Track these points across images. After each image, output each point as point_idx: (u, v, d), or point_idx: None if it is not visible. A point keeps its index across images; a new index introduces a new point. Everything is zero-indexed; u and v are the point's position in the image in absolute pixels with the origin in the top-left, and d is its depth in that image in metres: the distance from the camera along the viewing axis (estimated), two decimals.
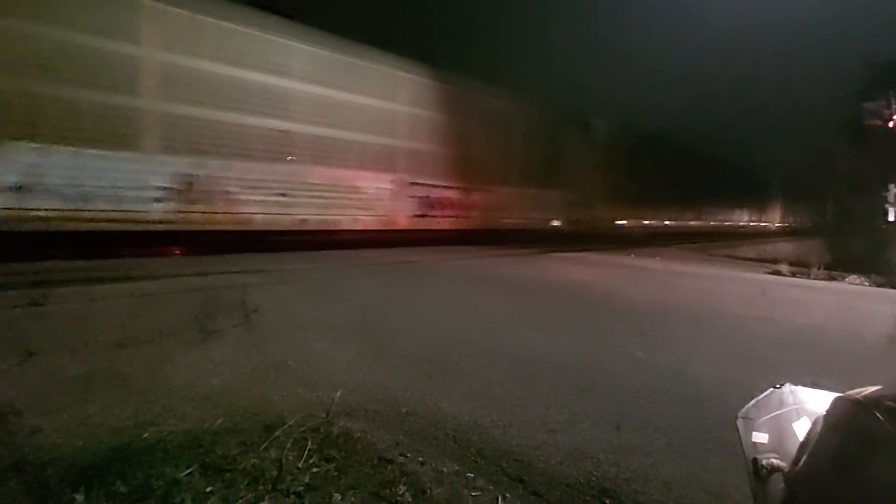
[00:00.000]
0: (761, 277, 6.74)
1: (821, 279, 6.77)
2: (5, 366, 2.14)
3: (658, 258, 8.95)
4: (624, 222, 15.66)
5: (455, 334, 3.03)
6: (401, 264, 6.41)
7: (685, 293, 5.11)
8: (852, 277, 6.78)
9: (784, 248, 11.73)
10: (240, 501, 1.25)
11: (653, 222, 17.10)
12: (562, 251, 9.09)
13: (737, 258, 9.88)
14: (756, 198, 24.50)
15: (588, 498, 1.36)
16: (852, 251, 8.36)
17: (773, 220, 26.78)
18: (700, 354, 2.81)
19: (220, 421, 1.69)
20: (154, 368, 2.19)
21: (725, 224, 21.52)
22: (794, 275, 7.07)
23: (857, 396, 0.68)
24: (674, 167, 17.42)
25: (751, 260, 9.46)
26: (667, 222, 17.77)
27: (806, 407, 0.85)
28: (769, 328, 3.57)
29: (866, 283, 6.56)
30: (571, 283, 5.50)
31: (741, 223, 22.99)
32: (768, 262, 8.50)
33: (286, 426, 1.64)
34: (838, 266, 7.48)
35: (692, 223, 19.11)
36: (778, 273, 7.22)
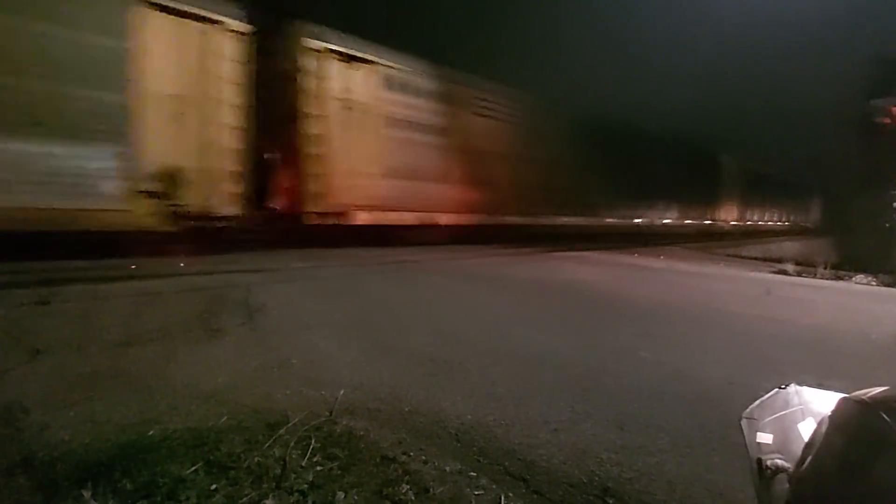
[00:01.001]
0: (767, 277, 6.70)
1: (827, 279, 6.72)
2: (13, 363, 2.16)
3: (662, 257, 8.92)
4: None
5: (458, 333, 3.03)
6: (404, 263, 6.42)
7: (689, 292, 5.08)
8: (859, 277, 6.73)
9: (790, 247, 11.66)
10: (244, 499, 1.25)
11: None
12: (565, 251, 9.08)
13: (742, 257, 9.83)
14: (747, 196, 22.95)
15: (591, 497, 1.36)
16: (859, 250, 8.29)
17: (772, 219, 25.72)
18: (704, 354, 2.80)
19: (224, 419, 1.70)
20: (159, 367, 2.21)
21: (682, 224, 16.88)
22: (799, 274, 7.02)
23: (863, 397, 0.68)
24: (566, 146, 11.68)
25: (756, 259, 9.40)
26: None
27: (811, 407, 0.84)
28: (774, 328, 3.55)
29: (873, 283, 6.50)
30: (574, 283, 5.48)
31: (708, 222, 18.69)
32: (774, 262, 8.44)
33: (290, 424, 1.65)
34: (845, 265, 7.42)
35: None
36: (783, 272, 7.16)
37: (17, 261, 4.76)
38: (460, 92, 9.38)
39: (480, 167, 9.72)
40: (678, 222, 16.96)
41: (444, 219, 9.11)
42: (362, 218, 7.87)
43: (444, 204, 9.13)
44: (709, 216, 19.26)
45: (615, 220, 13.90)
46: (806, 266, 7.50)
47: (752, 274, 6.97)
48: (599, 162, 12.73)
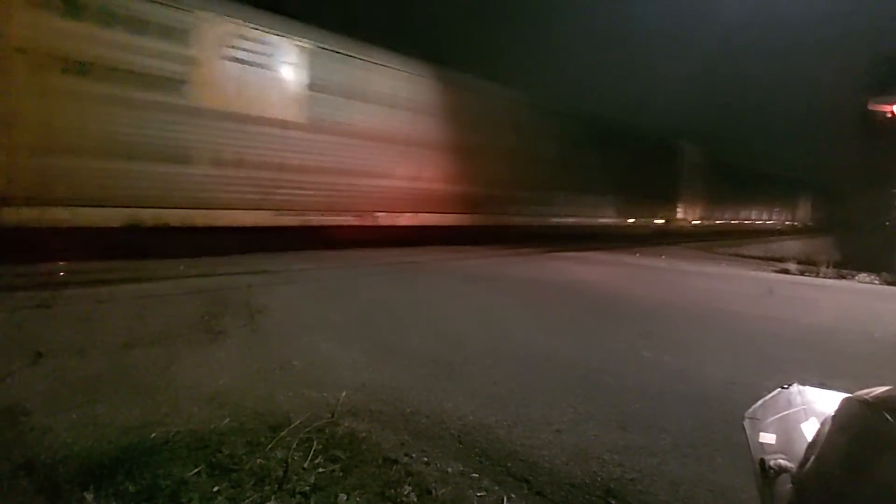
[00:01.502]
0: (769, 276, 6.69)
1: (830, 278, 6.70)
2: (15, 367, 2.16)
3: (663, 257, 8.91)
4: None
5: (459, 334, 3.03)
6: (405, 264, 6.42)
7: (691, 292, 5.07)
8: (862, 276, 6.71)
9: (792, 246, 11.63)
10: (246, 501, 1.25)
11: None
12: (565, 251, 9.07)
13: (744, 257, 9.82)
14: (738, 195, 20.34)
15: (593, 498, 1.36)
16: (862, 249, 8.27)
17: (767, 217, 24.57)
18: (706, 354, 2.79)
19: (226, 421, 1.70)
20: (161, 369, 2.21)
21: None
22: (802, 273, 7.00)
23: (866, 397, 0.68)
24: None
25: (758, 259, 9.39)
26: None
27: (814, 407, 0.84)
28: (777, 327, 3.54)
29: (876, 282, 6.48)
30: (576, 283, 5.48)
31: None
32: (776, 261, 8.43)
33: (292, 426, 1.65)
34: (848, 264, 7.40)
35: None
36: (785, 272, 7.15)
37: (19, 263, 4.77)
38: (208, 26, 5.89)
39: (260, 142, 6.50)
40: (620, 221, 13.90)
41: (204, 218, 6.14)
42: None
43: (193, 195, 6.01)
44: (661, 215, 16.18)
45: (520, 219, 10.87)
46: (808, 265, 7.48)
47: (755, 273, 6.96)
48: (506, 149, 10.02)
